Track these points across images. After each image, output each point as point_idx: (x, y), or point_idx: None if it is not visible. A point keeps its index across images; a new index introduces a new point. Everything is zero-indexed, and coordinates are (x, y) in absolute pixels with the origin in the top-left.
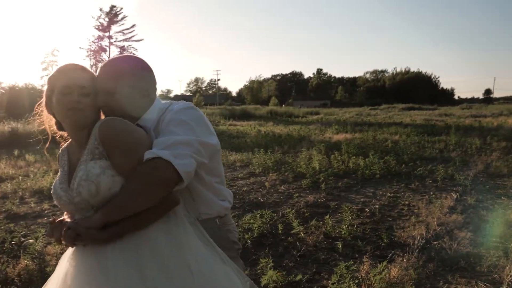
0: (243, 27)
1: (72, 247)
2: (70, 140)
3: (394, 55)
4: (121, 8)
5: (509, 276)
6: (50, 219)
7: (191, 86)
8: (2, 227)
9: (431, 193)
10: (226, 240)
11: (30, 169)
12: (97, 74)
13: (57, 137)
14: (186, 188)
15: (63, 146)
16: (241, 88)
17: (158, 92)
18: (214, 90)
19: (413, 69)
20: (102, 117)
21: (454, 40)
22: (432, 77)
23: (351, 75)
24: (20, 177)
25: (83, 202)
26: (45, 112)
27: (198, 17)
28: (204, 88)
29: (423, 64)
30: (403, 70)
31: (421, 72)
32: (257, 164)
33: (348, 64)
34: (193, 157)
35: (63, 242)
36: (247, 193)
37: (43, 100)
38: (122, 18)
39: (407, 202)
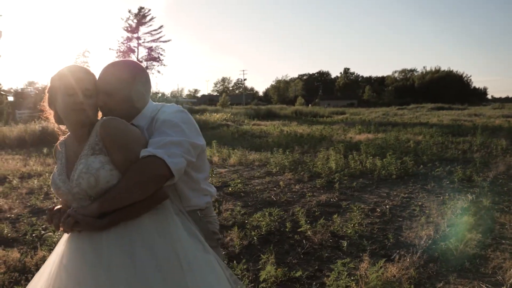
0: (270, 27)
1: (69, 232)
2: (68, 134)
3: (424, 54)
4: (149, 10)
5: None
6: (50, 207)
7: (218, 86)
8: (25, 221)
9: (446, 194)
10: (206, 231)
11: None
12: (98, 76)
13: (56, 129)
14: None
15: (60, 140)
16: (268, 88)
17: (186, 92)
18: (241, 90)
19: (444, 68)
20: (99, 115)
21: (487, 38)
22: (464, 76)
23: (379, 75)
24: (46, 174)
25: (82, 193)
26: (47, 108)
27: (225, 17)
28: (230, 88)
29: (454, 62)
30: (433, 69)
31: (451, 71)
32: (274, 163)
33: (376, 63)
34: (184, 157)
35: (61, 228)
36: (261, 192)
37: (46, 97)
38: (150, 20)
39: (420, 203)
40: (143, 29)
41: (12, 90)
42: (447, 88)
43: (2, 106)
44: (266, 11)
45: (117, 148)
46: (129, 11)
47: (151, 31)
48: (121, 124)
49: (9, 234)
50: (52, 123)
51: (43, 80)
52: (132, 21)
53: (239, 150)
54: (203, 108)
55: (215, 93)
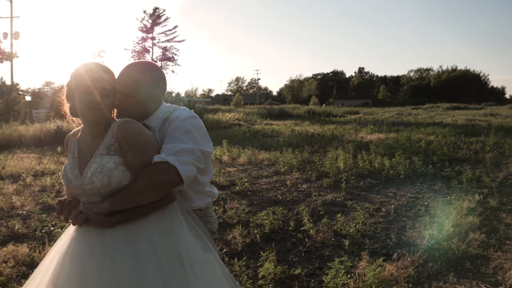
0: (284, 27)
1: (80, 226)
2: (81, 127)
3: (440, 53)
4: (164, 10)
5: (511, 278)
6: (60, 199)
7: (231, 85)
8: (36, 217)
9: (454, 195)
10: (204, 230)
11: None
12: (117, 76)
13: (70, 121)
14: None
15: (73, 131)
16: (282, 88)
17: (200, 92)
18: (255, 89)
19: (460, 67)
20: (114, 113)
21: (505, 36)
22: (481, 75)
23: (394, 74)
24: (59, 172)
25: (94, 190)
26: (65, 100)
27: (239, 17)
28: (244, 88)
29: (471, 61)
30: (450, 68)
31: (468, 70)
32: (282, 163)
33: (391, 62)
34: (194, 164)
35: (69, 220)
36: (267, 191)
37: (64, 90)
38: (165, 20)
39: (426, 203)
40: (157, 29)
41: (29, 90)
42: (464, 87)
43: (20, 105)
44: (281, 11)
45: (132, 151)
46: (144, 12)
47: (166, 31)
48: (138, 128)
49: (20, 230)
50: (67, 116)
51: (60, 80)
52: (147, 21)
53: (249, 150)
54: (216, 108)
55: (229, 93)
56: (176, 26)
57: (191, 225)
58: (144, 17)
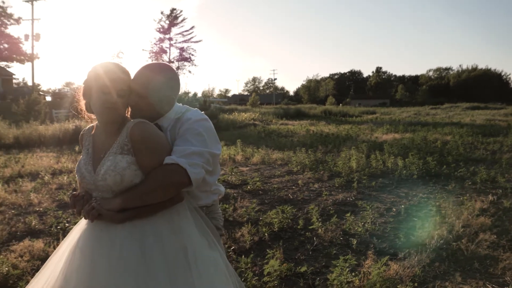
0: (301, 27)
1: (92, 221)
2: (96, 123)
3: (460, 52)
4: (181, 11)
5: None
6: (74, 193)
7: (248, 85)
8: (52, 214)
9: (467, 195)
10: (210, 226)
11: None
12: (133, 76)
13: (86, 117)
14: None
15: (87, 128)
16: (299, 88)
17: (217, 92)
18: (271, 89)
19: (481, 66)
20: (128, 112)
21: None
22: (503, 74)
23: (413, 73)
24: None
25: (106, 187)
26: (81, 97)
27: (256, 17)
28: (261, 88)
29: (492, 61)
30: (470, 68)
31: (489, 69)
32: (295, 162)
33: (410, 62)
34: (204, 167)
35: (82, 214)
36: (278, 190)
37: (82, 87)
38: (182, 20)
39: (437, 203)
40: (175, 30)
41: (50, 91)
42: (484, 87)
43: (40, 106)
44: (297, 11)
45: (145, 151)
46: (162, 13)
47: (183, 32)
48: (151, 129)
49: (36, 226)
50: (83, 112)
51: (79, 81)
52: (164, 22)
53: (263, 149)
54: (232, 108)
55: (246, 93)
56: (193, 27)
57: (197, 222)
58: (162, 18)
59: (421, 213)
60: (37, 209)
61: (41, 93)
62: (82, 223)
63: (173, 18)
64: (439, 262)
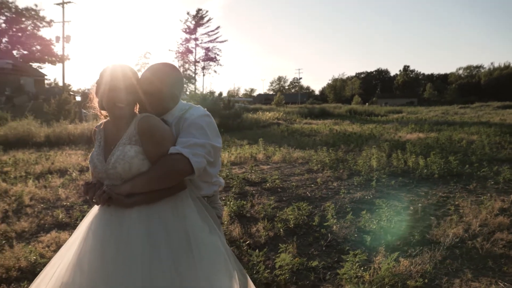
0: (327, 26)
1: (102, 205)
2: (108, 119)
3: (492, 50)
4: (207, 11)
5: None
6: (87, 181)
7: (273, 85)
8: (78, 208)
9: (488, 195)
10: (212, 214)
11: None
12: (142, 75)
13: (98, 113)
14: None
15: (100, 123)
16: (324, 87)
17: (242, 91)
18: (296, 89)
19: None
20: (137, 108)
21: None
22: None
23: (442, 72)
24: None
25: (116, 175)
26: (94, 95)
27: (280, 17)
28: (286, 87)
29: None
30: (502, 65)
31: None
32: (315, 161)
33: (439, 60)
34: (205, 157)
35: (93, 200)
36: (297, 188)
37: (95, 86)
38: (208, 21)
39: (456, 203)
40: (200, 30)
41: (80, 91)
42: None
43: (70, 105)
44: (323, 11)
45: (151, 142)
46: (188, 13)
47: (208, 32)
48: (157, 122)
49: (63, 219)
50: (96, 109)
51: None
52: (190, 22)
53: (285, 148)
54: (257, 107)
55: (271, 92)
56: (218, 27)
57: (200, 209)
58: (188, 18)
59: (439, 212)
60: (65, 203)
61: (71, 93)
62: (95, 209)
63: (198, 18)
64: (451, 259)
